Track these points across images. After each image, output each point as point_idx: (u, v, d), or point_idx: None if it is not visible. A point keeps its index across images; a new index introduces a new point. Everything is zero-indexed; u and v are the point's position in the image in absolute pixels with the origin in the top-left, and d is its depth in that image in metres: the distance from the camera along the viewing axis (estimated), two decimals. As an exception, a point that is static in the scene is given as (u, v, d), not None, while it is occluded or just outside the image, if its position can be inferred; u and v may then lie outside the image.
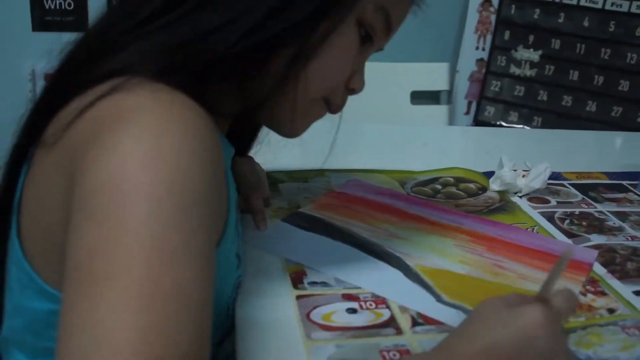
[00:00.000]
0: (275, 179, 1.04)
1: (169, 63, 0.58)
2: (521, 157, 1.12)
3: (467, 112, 2.24)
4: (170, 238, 0.46)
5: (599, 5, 2.01)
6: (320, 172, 1.08)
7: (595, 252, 0.87)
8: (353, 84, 0.72)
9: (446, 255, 0.84)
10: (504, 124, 2.15)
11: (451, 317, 0.70)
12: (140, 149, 0.49)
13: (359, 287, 0.74)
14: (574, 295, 0.58)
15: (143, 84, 0.54)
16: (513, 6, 2.10)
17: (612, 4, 2.00)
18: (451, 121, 2.19)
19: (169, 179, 0.48)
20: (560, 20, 2.05)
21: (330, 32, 0.64)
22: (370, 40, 0.69)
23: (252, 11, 0.59)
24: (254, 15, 0.59)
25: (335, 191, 1.02)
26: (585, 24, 2.03)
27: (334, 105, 0.73)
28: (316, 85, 0.68)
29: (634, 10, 1.99)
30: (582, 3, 2.03)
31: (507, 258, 0.84)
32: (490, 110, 2.17)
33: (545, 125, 2.10)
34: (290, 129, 0.74)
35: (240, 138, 0.88)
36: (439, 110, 2.14)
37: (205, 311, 0.47)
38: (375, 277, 0.78)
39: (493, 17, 2.13)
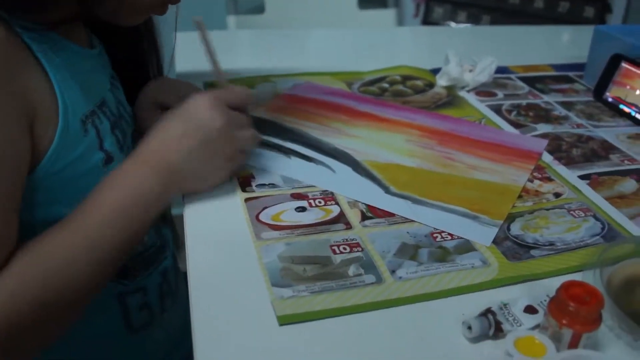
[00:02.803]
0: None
1: None
2: (469, 54, 1.11)
3: (416, 15, 2.21)
4: None
5: None
6: (265, 78, 1.05)
7: (544, 142, 0.88)
8: None
9: (396, 150, 0.83)
10: (452, 24, 2.13)
11: (400, 207, 0.71)
12: None
13: (308, 186, 0.74)
14: (243, 89, 0.73)
15: None
16: None
17: None
18: (400, 24, 2.15)
19: None
20: None
21: None
22: None
23: None
24: None
25: (285, 94, 1.00)
26: None
27: (163, 4, 0.72)
28: None
29: None
30: None
31: (457, 150, 0.84)
32: (438, 11, 2.15)
33: (493, 23, 2.09)
34: (131, 22, 0.73)
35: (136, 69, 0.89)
36: (388, 14, 2.09)
37: None
38: (323, 174, 0.77)
39: None
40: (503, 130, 0.92)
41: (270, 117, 0.91)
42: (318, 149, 0.83)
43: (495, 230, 0.68)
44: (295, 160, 0.80)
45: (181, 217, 0.70)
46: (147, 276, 0.81)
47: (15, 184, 0.59)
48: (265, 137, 0.85)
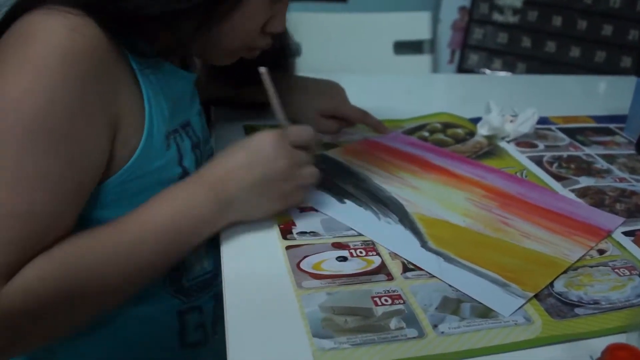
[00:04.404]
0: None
1: (95, 3, 0.65)
2: (507, 103, 1.10)
3: (451, 61, 2.22)
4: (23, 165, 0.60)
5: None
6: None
7: (620, 220, 0.82)
8: (270, 28, 0.77)
9: (451, 207, 0.82)
10: (487, 71, 2.13)
11: (430, 263, 0.69)
12: (18, 79, 0.61)
13: (349, 235, 0.74)
14: (307, 128, 0.75)
15: (55, 10, 0.63)
16: (495, -49, 2.07)
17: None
18: (435, 70, 2.17)
19: (33, 111, 0.60)
20: (543, -35, 2.03)
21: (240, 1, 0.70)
22: None
23: None
24: None
25: (369, 139, 1.02)
26: (568, -33, 2.00)
27: (252, 49, 0.80)
28: (229, 41, 0.75)
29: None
30: (565, -54, 2.00)
31: (516, 216, 0.81)
32: (473, 58, 2.16)
33: (529, 71, 2.09)
34: (219, 62, 0.82)
35: None
36: (423, 60, 2.11)
37: (50, 230, 0.62)
38: (366, 219, 0.78)
39: (475, -36, 2.10)
40: (579, 202, 0.87)
41: (343, 159, 0.93)
42: (373, 195, 0.83)
43: (522, 301, 0.64)
44: (347, 204, 0.81)
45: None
46: (202, 297, 0.85)
47: (83, 182, 0.65)
48: (328, 177, 0.86)
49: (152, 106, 0.71)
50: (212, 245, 0.78)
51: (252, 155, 0.71)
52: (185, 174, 0.76)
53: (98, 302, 0.67)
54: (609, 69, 2.01)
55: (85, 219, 0.68)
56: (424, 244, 0.73)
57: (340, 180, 0.86)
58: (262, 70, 0.75)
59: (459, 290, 0.65)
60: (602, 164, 0.99)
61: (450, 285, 0.66)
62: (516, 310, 0.62)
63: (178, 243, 0.69)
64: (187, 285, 0.82)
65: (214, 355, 0.89)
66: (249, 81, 0.92)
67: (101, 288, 0.65)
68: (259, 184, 0.70)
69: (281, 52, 0.98)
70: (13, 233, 0.59)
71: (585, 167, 0.97)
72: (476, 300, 0.64)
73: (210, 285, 0.86)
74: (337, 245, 0.72)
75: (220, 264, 0.87)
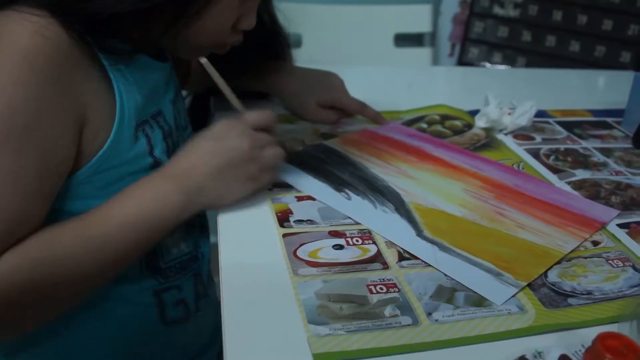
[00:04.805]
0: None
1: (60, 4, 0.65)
2: (506, 96, 1.11)
3: (451, 54, 2.21)
4: None
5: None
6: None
7: (614, 213, 0.82)
8: (241, 25, 0.77)
9: (447, 198, 0.82)
10: (487, 65, 2.13)
11: (425, 251, 0.70)
12: None
13: (346, 224, 0.74)
14: (265, 111, 0.77)
15: (16, 13, 0.63)
16: (496, -55, 2.07)
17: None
18: (435, 63, 2.17)
19: None
20: (544, -41, 2.02)
21: (209, 2, 0.70)
22: None
23: None
24: None
25: (368, 130, 1.03)
26: (569, -38, 2.00)
27: (222, 46, 0.80)
28: (199, 39, 0.75)
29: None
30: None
31: (512, 207, 0.81)
32: (474, 51, 2.15)
33: (529, 65, 2.09)
34: (189, 58, 0.88)
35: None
36: (423, 53, 2.11)
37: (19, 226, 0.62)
38: (362, 208, 0.78)
39: (476, -43, 2.10)
40: (575, 195, 0.87)
41: (341, 149, 0.94)
42: (370, 184, 0.84)
43: (514, 290, 0.64)
44: (344, 193, 0.81)
45: (217, 247, 0.71)
46: (181, 277, 0.86)
47: (50, 177, 0.65)
48: (326, 166, 0.87)
49: (124, 100, 0.71)
50: (189, 228, 0.80)
51: (215, 142, 0.73)
52: (156, 163, 0.76)
53: (71, 293, 0.68)
54: (609, 63, 2.00)
55: (56, 211, 0.68)
56: (419, 233, 0.74)
57: (337, 169, 0.87)
58: (203, 60, 0.78)
59: (454, 280, 0.66)
60: (598, 157, 1.00)
61: (445, 275, 0.66)
62: (509, 299, 0.63)
63: (148, 233, 0.70)
64: (164, 267, 0.83)
65: (197, 331, 0.92)
66: (245, 71, 0.93)
67: (73, 280, 0.66)
68: (224, 169, 0.72)
69: (277, 41, 0.99)
70: None
71: (582, 160, 0.98)
72: (470, 289, 0.64)
73: (189, 267, 0.87)
74: (334, 234, 0.72)
75: (199, 246, 0.90)
